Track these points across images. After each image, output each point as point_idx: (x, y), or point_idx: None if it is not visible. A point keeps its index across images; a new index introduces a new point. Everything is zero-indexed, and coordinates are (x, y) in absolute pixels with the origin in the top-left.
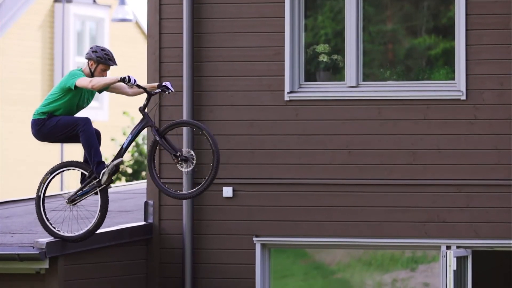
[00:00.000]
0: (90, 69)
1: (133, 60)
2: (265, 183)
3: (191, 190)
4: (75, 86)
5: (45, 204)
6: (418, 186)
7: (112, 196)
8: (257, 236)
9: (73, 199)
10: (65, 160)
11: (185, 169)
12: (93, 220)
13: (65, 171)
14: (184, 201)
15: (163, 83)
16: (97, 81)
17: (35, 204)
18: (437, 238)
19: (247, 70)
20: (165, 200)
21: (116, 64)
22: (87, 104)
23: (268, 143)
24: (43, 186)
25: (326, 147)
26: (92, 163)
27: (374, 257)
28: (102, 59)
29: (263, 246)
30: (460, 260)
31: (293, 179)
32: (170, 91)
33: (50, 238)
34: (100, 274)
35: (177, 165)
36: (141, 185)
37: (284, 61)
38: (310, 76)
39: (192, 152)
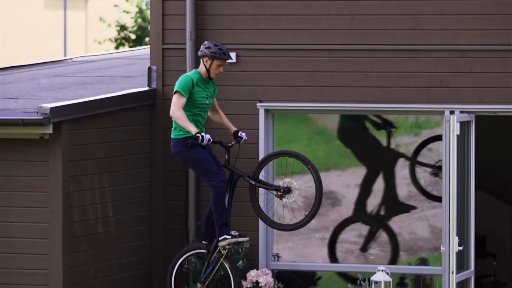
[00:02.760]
0: (205, 66)
1: None
2: (268, 49)
3: (295, 222)
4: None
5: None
6: (421, 51)
7: (116, 61)
8: (260, 101)
9: (204, 281)
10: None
11: (290, 199)
12: None
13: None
14: (188, 65)
15: (239, 133)
16: (178, 115)
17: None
18: (440, 103)
19: None
20: (168, 66)
21: (231, 58)
22: (212, 98)
23: (271, 9)
24: (172, 274)
25: (329, 12)
26: (216, 224)
27: None
28: (216, 54)
29: (267, 111)
30: (464, 125)
31: (296, 45)
32: (244, 140)
33: (53, 103)
34: (103, 139)
35: (282, 199)
36: (144, 50)
37: None
38: None
39: (291, 180)
